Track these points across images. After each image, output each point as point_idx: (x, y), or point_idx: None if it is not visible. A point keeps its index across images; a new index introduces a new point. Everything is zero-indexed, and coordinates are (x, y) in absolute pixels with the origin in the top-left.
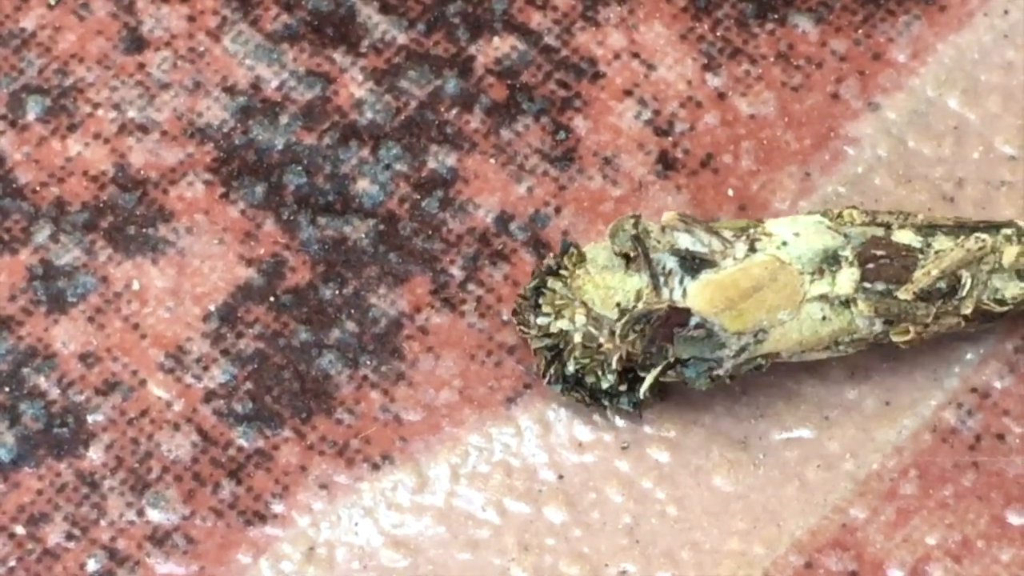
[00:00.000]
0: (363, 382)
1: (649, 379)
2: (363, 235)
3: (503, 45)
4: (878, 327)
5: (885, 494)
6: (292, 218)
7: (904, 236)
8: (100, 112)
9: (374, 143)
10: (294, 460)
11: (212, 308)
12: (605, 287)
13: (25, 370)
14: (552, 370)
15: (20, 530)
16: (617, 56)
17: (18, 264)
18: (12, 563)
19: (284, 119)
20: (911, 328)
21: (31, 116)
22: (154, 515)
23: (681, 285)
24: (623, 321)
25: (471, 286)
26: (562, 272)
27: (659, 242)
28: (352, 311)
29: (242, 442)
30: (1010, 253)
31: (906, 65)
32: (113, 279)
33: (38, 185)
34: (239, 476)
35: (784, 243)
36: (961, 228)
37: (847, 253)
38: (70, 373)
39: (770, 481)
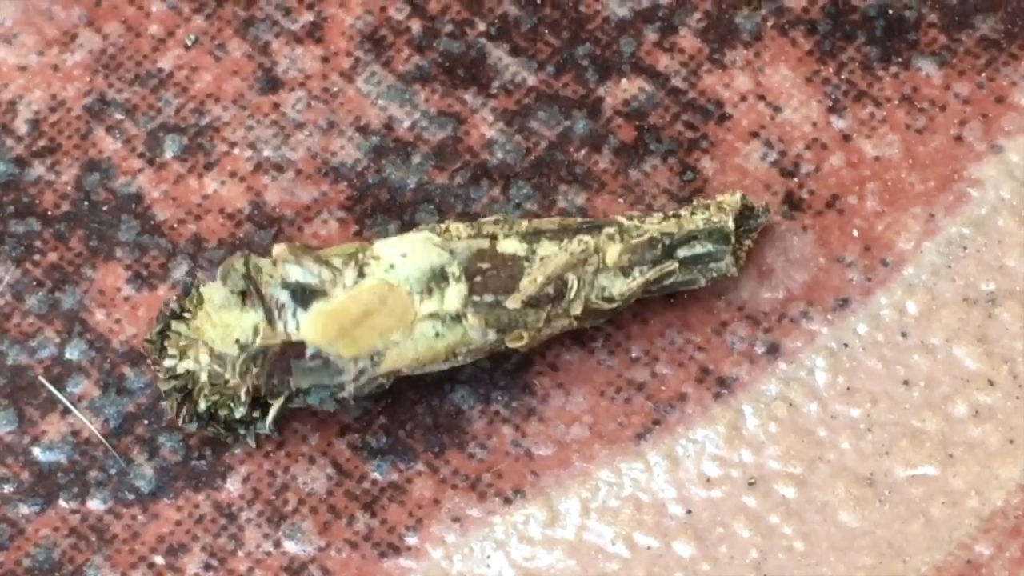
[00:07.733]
0: (495, 417)
1: (273, 411)
2: None
3: (631, 87)
4: (492, 336)
5: (1010, 531)
6: None
7: (510, 246)
8: (236, 151)
9: (504, 183)
10: (427, 493)
11: None
12: (223, 325)
13: (164, 403)
14: (185, 410)
15: (160, 560)
16: (743, 98)
17: (156, 299)
18: None
19: (416, 158)
20: (524, 334)
21: (168, 155)
22: (290, 546)
23: (294, 317)
24: (240, 359)
25: (601, 324)
26: (185, 315)
27: (271, 276)
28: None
29: (376, 475)
30: (612, 252)
31: None
32: None
33: (176, 222)
34: (373, 508)
35: (392, 266)
36: (565, 231)
37: (454, 269)
38: None
39: (896, 517)
